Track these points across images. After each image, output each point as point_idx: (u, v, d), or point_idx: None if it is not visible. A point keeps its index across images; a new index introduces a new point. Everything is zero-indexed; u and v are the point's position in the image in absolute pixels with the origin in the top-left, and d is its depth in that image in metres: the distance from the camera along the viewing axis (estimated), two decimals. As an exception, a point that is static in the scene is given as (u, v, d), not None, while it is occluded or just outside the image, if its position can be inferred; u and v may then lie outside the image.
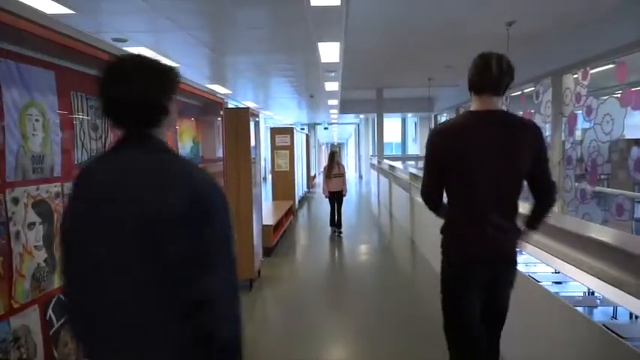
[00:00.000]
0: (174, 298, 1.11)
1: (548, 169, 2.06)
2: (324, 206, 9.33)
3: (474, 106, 2.05)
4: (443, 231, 2.11)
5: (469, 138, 1.99)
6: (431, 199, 2.15)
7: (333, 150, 8.41)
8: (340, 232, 8.08)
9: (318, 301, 4.82)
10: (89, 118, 2.11)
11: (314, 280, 5.58)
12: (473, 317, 2.02)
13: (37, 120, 1.75)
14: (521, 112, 7.91)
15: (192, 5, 4.63)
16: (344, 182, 8.14)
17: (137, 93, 1.15)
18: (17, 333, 1.60)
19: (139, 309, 1.11)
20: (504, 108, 7.18)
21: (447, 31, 6.06)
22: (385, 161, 11.02)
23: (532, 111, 7.52)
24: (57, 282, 1.83)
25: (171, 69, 1.23)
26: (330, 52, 6.29)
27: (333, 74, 8.07)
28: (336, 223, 8.12)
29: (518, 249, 2.11)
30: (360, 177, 22.24)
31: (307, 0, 4.01)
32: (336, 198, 8.08)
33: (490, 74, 1.96)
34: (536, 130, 2.04)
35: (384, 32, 6.17)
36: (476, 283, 2.01)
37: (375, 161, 13.68)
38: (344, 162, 8.47)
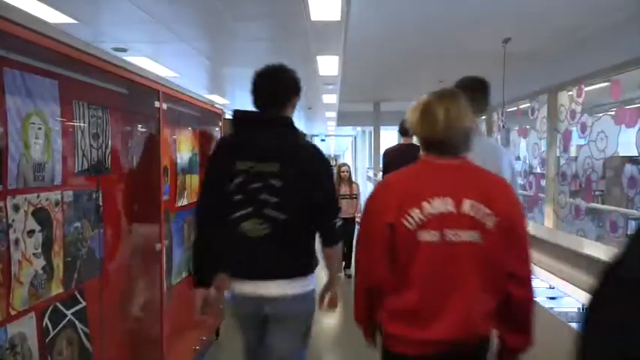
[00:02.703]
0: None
1: None
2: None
3: (402, 140, 4.57)
4: None
5: (394, 155, 4.40)
6: None
7: (338, 165, 6.79)
8: (348, 274, 6.17)
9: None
10: (90, 127, 2.12)
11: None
12: None
13: (39, 128, 1.76)
14: (517, 127, 7.98)
15: (193, 17, 4.67)
16: (357, 207, 6.37)
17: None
18: (14, 340, 1.59)
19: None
20: (501, 123, 7.52)
21: (444, 47, 6.14)
22: (381, 174, 11.04)
23: (527, 127, 7.58)
24: (54, 290, 1.83)
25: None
26: (329, 65, 6.34)
27: (331, 87, 8.12)
28: (344, 260, 5.95)
29: None
30: (356, 189, 22.25)
31: (308, 15, 4.06)
32: (346, 226, 5.89)
33: (407, 128, 4.02)
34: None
35: (383, 47, 6.24)
36: None
37: (371, 173, 13.71)
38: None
